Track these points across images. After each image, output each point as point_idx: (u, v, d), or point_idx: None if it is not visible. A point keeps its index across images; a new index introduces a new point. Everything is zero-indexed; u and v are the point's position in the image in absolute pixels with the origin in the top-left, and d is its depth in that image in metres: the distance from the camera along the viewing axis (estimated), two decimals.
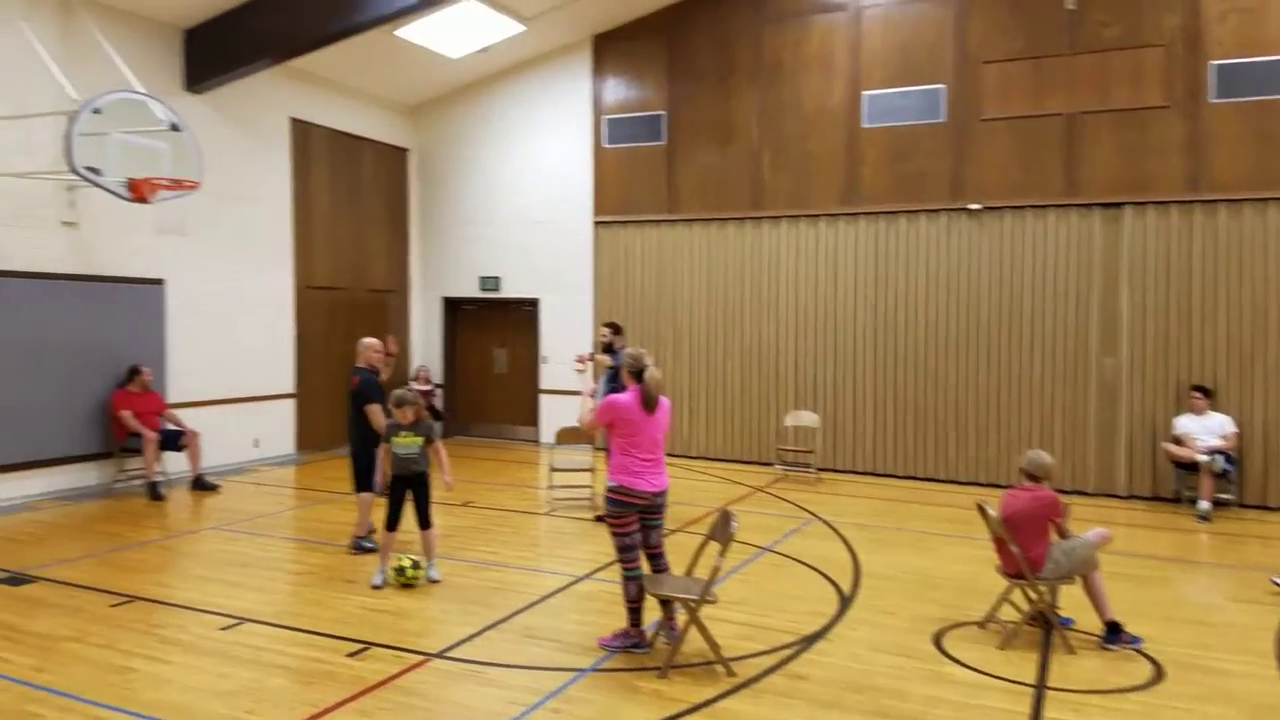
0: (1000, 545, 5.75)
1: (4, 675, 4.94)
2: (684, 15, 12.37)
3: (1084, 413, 10.51)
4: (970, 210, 10.94)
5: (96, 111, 8.09)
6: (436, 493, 6.83)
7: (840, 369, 11.68)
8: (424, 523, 6.76)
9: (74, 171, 8.00)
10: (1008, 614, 5.80)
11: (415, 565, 6.61)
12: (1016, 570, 5.63)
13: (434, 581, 6.70)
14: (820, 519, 9.00)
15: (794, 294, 11.91)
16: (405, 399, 6.66)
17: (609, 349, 8.90)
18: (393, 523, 6.66)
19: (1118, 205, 10.29)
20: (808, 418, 11.45)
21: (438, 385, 14.34)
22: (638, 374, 5.42)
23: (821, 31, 11.64)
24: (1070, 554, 5.59)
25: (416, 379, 13.92)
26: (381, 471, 6.86)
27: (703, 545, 5.47)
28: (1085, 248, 10.46)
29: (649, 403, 5.36)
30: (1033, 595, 5.67)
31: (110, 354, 9.86)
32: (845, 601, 6.42)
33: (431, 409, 13.82)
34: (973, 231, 10.97)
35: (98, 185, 8.18)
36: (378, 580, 6.57)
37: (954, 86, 10.99)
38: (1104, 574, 5.67)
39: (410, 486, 6.69)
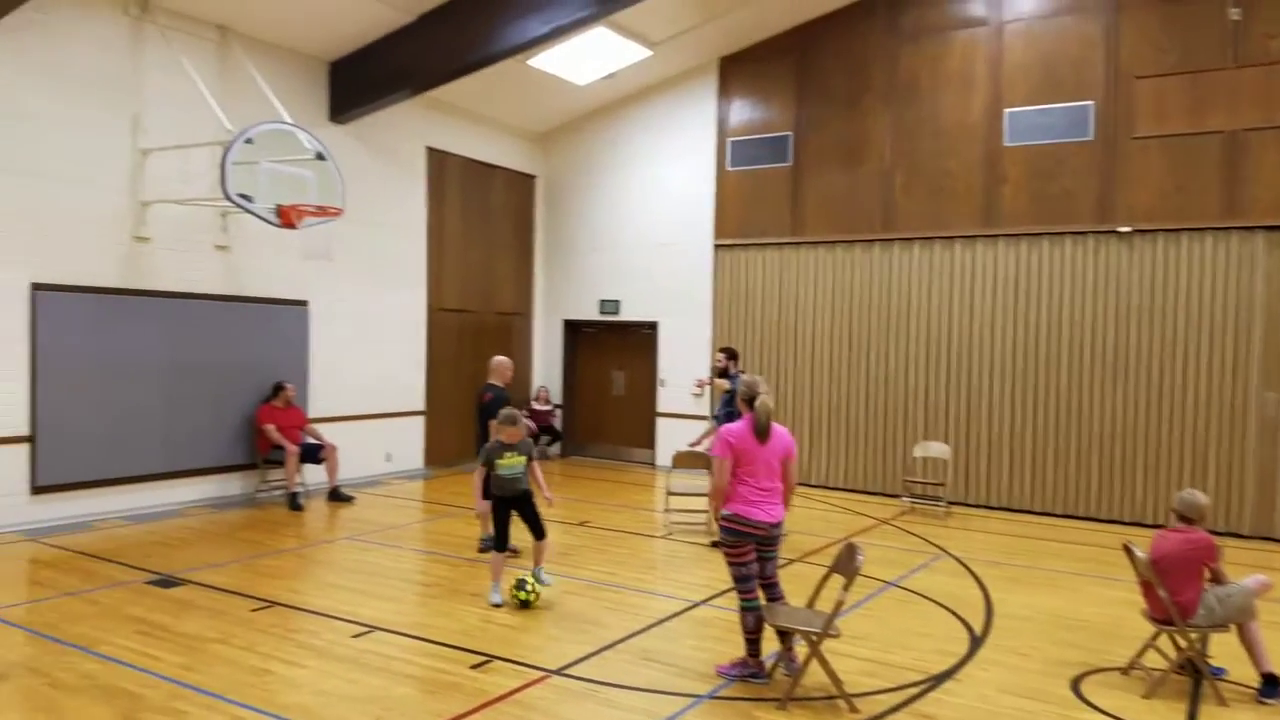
0: (1147, 589, 5.40)
1: (156, 672, 5.23)
2: (815, 36, 12.25)
3: (1241, 451, 9.78)
4: (1120, 233, 10.38)
5: (249, 141, 8.55)
6: (548, 510, 6.92)
7: (974, 398, 11.24)
8: (539, 535, 6.86)
9: (228, 198, 8.45)
10: (1154, 661, 5.43)
11: (529, 595, 6.56)
12: (1165, 616, 5.27)
13: (545, 585, 6.78)
14: (950, 554, 8.65)
15: (925, 319, 11.55)
16: (515, 418, 6.78)
17: (724, 374, 9.10)
18: (503, 543, 6.77)
19: None
20: (937, 449, 11.03)
21: (557, 405, 14.57)
22: (750, 401, 5.40)
23: (962, 47, 11.31)
24: (1226, 601, 5.20)
25: (537, 399, 14.19)
26: (479, 493, 6.89)
27: (825, 577, 5.33)
28: (1246, 273, 9.77)
29: (761, 431, 5.28)
30: (1182, 642, 5.28)
31: (256, 370, 10.42)
32: (976, 641, 6.13)
33: (550, 428, 14.10)
34: (1122, 255, 10.40)
35: (249, 211, 8.63)
36: (496, 599, 6.66)
37: (1103, 103, 10.48)
38: (1262, 623, 5.24)
39: (515, 506, 6.79)
